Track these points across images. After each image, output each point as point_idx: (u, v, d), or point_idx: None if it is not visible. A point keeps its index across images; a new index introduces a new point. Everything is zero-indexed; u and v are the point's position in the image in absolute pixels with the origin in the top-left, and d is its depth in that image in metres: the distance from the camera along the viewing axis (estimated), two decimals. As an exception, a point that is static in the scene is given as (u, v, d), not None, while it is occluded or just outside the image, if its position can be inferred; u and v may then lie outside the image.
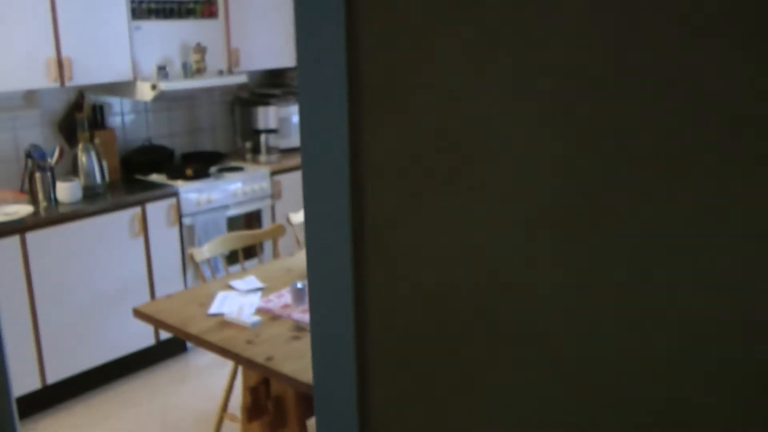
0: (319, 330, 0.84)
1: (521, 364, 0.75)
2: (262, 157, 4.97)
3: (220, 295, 3.04)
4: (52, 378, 3.89)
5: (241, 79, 4.67)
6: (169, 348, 4.45)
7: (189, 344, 4.53)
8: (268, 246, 4.71)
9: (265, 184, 4.76)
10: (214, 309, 2.90)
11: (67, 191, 3.96)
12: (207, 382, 4.18)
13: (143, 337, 4.24)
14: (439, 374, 0.80)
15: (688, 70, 0.61)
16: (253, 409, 2.82)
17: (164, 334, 4.33)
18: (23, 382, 3.78)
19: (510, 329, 0.74)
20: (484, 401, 0.78)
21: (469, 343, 0.77)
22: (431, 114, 0.75)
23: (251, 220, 4.76)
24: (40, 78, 3.86)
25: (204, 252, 3.44)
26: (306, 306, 2.92)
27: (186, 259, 4.36)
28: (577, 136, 0.68)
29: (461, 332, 0.77)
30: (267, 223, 4.77)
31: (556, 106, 0.69)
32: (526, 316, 0.73)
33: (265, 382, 2.86)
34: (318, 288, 0.83)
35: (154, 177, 4.53)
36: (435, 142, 0.75)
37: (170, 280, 4.29)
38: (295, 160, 5.06)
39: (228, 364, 4.33)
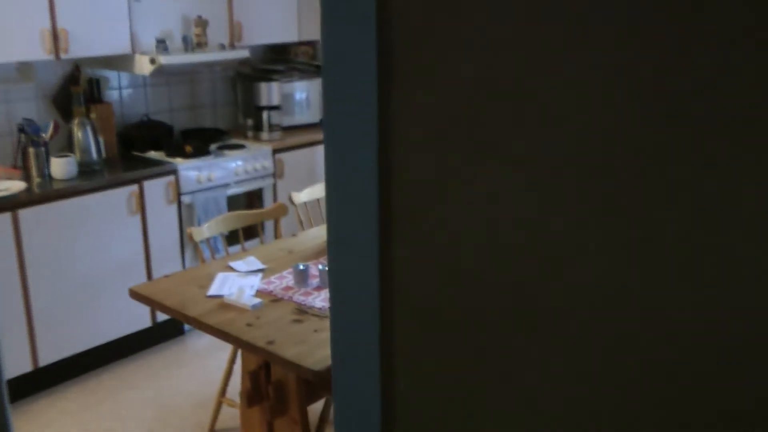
0: (341, 312, 0.82)
1: (564, 353, 0.71)
2: (264, 135, 4.97)
3: (220, 276, 3.04)
4: (44, 360, 3.88)
5: (244, 54, 4.65)
6: (166, 330, 4.44)
7: (187, 327, 4.53)
8: (269, 226, 4.72)
9: (267, 163, 4.76)
10: (213, 290, 2.90)
11: (61, 167, 3.92)
12: (205, 366, 4.18)
13: (139, 318, 4.24)
14: (471, 361, 0.78)
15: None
16: (253, 395, 2.82)
17: (161, 316, 4.32)
18: (15, 363, 3.77)
19: (553, 315, 0.71)
20: (521, 392, 0.75)
21: (507, 329, 0.74)
22: (472, 69, 0.70)
23: (252, 199, 4.76)
24: (35, 50, 3.81)
25: (203, 231, 3.43)
26: (309, 288, 2.92)
27: (185, 239, 4.36)
28: (641, 98, 0.63)
29: (498, 317, 0.74)
30: (269, 203, 4.78)
31: (619, 62, 0.63)
32: (572, 302, 0.69)
33: (266, 366, 2.86)
34: (341, 267, 0.81)
35: (153, 154, 4.52)
36: (476, 103, 0.71)
37: (168, 260, 4.29)
38: (299, 137, 5.05)
39: (227, 348, 4.32)
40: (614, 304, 0.67)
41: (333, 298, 0.80)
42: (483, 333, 0.76)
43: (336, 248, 0.81)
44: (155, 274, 4.20)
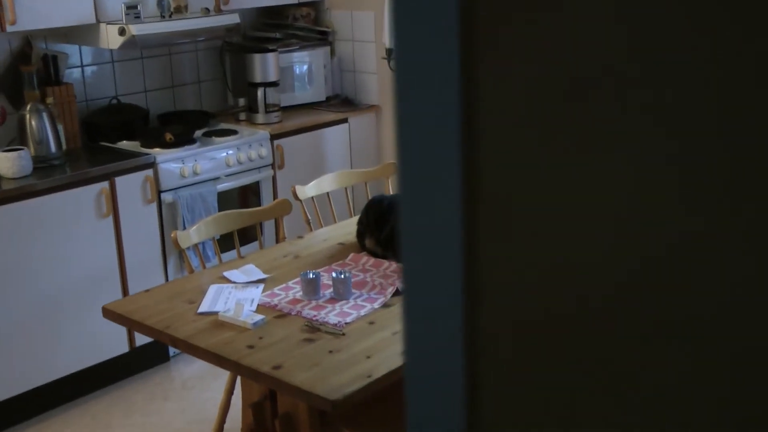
0: (416, 327, 0.84)
1: (684, 369, 0.72)
2: (260, 117, 4.98)
3: (213, 289, 3.05)
4: None
5: (233, 19, 4.67)
6: (147, 356, 4.46)
7: (173, 351, 4.55)
8: (269, 227, 4.73)
9: (265, 151, 4.77)
10: (205, 306, 2.91)
11: (11, 163, 3.93)
12: (196, 398, 4.18)
13: (114, 342, 4.26)
14: (571, 375, 0.79)
15: None
16: (257, 431, 2.77)
17: (141, 339, 4.33)
18: (-34, 401, 3.78)
19: (676, 326, 0.72)
20: (632, 413, 0.76)
21: (612, 336, 0.75)
22: (579, 29, 0.70)
23: (248, 195, 4.78)
24: (-21, 19, 3.82)
25: (190, 236, 3.44)
26: (321, 300, 2.95)
27: (167, 245, 4.38)
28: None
29: (602, 323, 0.76)
30: (268, 199, 4.80)
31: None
32: (691, 310, 0.70)
33: (271, 396, 2.88)
34: (416, 269, 0.83)
35: (125, 144, 4.55)
36: (582, 74, 0.71)
37: (148, 271, 4.32)
38: (301, 119, 5.05)
39: (223, 376, 4.31)
40: (745, 319, 0.69)
41: (407, 311, 0.83)
42: (582, 342, 0.77)
43: (411, 247, 0.83)
44: (133, 289, 4.21)
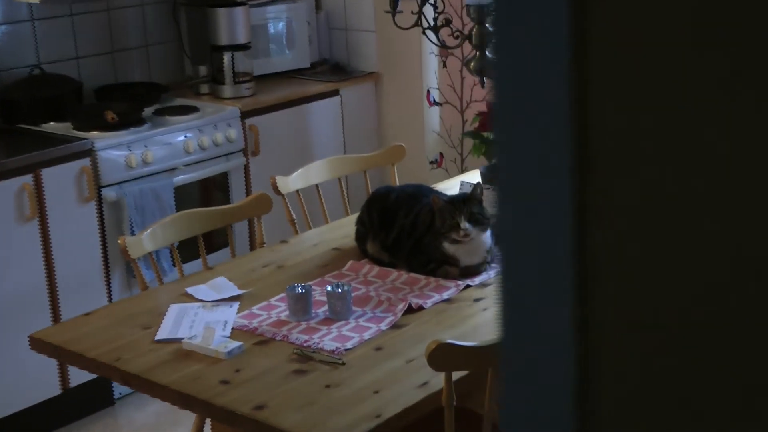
0: (517, 331, 0.89)
1: None
2: (227, 90, 4.97)
3: (174, 310, 3.05)
4: None
5: None
6: (85, 400, 4.44)
7: (120, 391, 4.52)
8: (243, 229, 4.72)
9: (234, 133, 4.77)
10: (164, 332, 2.91)
11: None
12: None
13: (43, 383, 4.24)
14: (691, 374, 0.82)
15: None
16: None
17: (77, 377, 4.30)
18: None
19: None
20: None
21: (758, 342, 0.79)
22: None
23: (213, 189, 4.79)
24: None
25: (143, 242, 3.43)
26: (313, 321, 2.94)
27: (111, 255, 4.38)
28: None
29: (742, 322, 0.79)
30: (240, 194, 4.79)
31: None
32: None
33: None
34: (517, 263, 0.87)
35: (52, 126, 4.54)
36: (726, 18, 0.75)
37: (86, 288, 4.31)
38: (280, 91, 5.06)
39: (187, 422, 4.29)
40: None
41: (504, 312, 0.88)
42: (716, 345, 0.81)
43: (511, 239, 0.87)
44: (66, 312, 4.19)
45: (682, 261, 0.81)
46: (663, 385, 0.85)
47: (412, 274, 3.21)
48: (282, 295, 3.09)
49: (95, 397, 4.48)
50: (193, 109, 4.79)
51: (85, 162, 4.29)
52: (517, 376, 0.91)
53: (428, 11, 3.80)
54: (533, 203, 0.86)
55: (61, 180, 4.22)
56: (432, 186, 3.75)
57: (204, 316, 2.98)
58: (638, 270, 0.83)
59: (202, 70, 5.06)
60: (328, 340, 2.81)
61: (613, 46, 0.81)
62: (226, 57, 4.99)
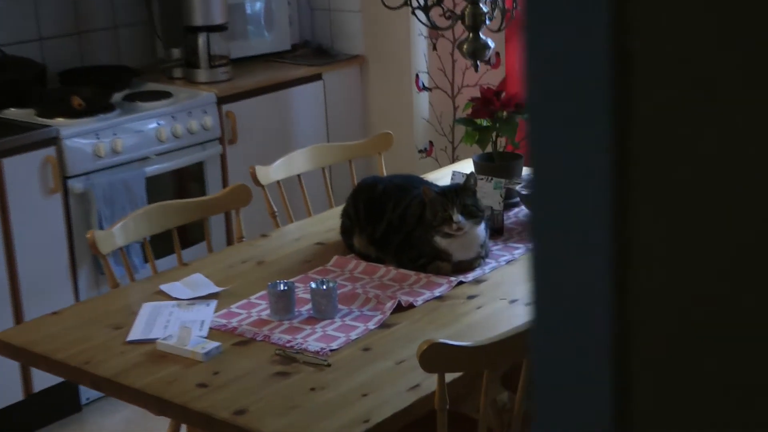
0: (549, 320, 0.90)
1: None
2: (202, 74, 4.97)
3: (147, 309, 3.05)
4: None
5: None
6: (51, 405, 4.44)
7: (87, 396, 4.52)
8: (220, 222, 4.74)
9: (210, 120, 4.78)
10: (137, 333, 2.91)
11: None
12: None
13: (4, 387, 4.24)
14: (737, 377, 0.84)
15: None
16: None
17: (42, 382, 4.31)
18: None
19: None
20: None
21: None
22: None
23: (188, 180, 4.80)
24: None
25: (113, 237, 3.42)
26: (296, 320, 2.94)
27: (78, 251, 4.38)
28: None
29: None
30: (216, 186, 4.81)
31: None
32: None
33: None
34: (551, 256, 0.89)
35: (14, 113, 4.54)
36: None
37: (51, 286, 4.31)
38: (259, 76, 5.07)
39: (161, 428, 4.29)
40: None
41: (538, 309, 0.89)
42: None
43: (544, 229, 0.88)
44: (30, 312, 4.19)
45: (730, 247, 0.82)
46: (710, 379, 0.85)
47: (402, 270, 3.20)
48: (263, 292, 3.10)
49: (61, 403, 4.48)
50: (165, 95, 4.79)
51: (50, 151, 4.28)
52: (550, 377, 0.92)
53: (417, -11, 3.78)
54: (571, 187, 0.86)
55: (23, 170, 4.22)
56: (422, 176, 3.75)
57: (179, 316, 2.99)
58: (686, 258, 0.84)
59: (176, 52, 5.06)
60: (312, 340, 2.81)
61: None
62: (201, 39, 4.99)
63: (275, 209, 3.88)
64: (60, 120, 4.41)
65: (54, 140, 4.29)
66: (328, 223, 3.64)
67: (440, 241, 3.14)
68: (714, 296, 0.84)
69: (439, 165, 5.12)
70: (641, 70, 0.82)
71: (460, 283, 3.13)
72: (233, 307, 3.04)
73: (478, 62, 3.79)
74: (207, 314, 2.99)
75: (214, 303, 3.07)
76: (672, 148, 0.83)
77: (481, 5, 3.62)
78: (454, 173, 3.71)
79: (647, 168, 0.84)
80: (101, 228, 4.15)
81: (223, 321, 2.95)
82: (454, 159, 5.28)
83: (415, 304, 2.99)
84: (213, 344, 2.78)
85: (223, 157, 4.87)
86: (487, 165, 3.77)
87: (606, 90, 0.84)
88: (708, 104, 0.81)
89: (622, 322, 0.86)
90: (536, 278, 0.91)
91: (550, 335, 0.92)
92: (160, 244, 4.00)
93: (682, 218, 0.84)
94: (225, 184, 4.82)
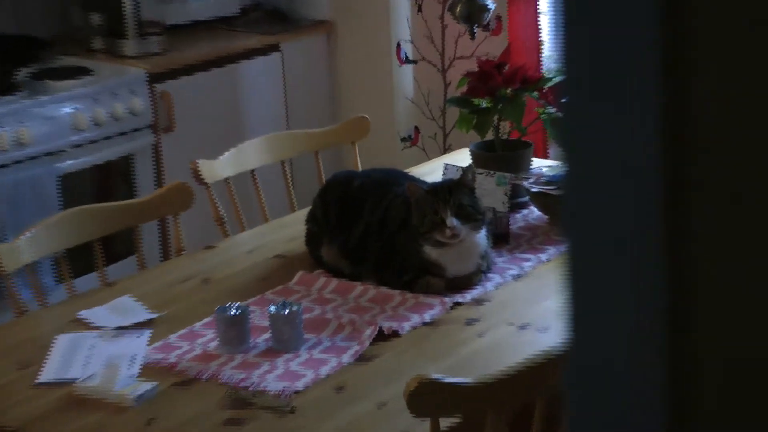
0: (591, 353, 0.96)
1: None
2: (130, 46, 5.01)
3: (62, 341, 3.05)
4: None
5: None
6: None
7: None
8: (153, 231, 4.73)
9: (140, 102, 4.81)
10: (50, 372, 2.91)
11: None
12: None
13: None
14: None
15: None
16: None
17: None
18: None
19: None
20: None
21: None
22: None
23: (112, 178, 4.85)
24: None
25: (20, 250, 3.44)
26: (251, 353, 2.95)
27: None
28: None
29: None
30: (148, 185, 4.84)
31: None
32: None
33: None
34: (593, 271, 0.93)
35: None
36: None
37: None
38: (200, 47, 5.06)
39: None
40: None
41: (575, 328, 0.93)
42: None
43: (579, 225, 0.93)
44: None
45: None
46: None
47: (383, 289, 3.20)
48: (209, 318, 3.11)
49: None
50: (83, 71, 4.83)
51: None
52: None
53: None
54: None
55: None
56: (406, 170, 3.75)
57: (103, 350, 2.98)
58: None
59: (96, 18, 5.08)
60: (272, 378, 2.81)
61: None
62: (128, 4, 5.00)
63: (223, 214, 3.89)
64: (-51, 104, 4.44)
65: (-58, 130, 4.31)
66: (289, 230, 3.66)
67: (430, 252, 3.14)
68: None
69: (428, 156, 5.16)
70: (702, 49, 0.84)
71: (457, 304, 3.13)
72: (172, 338, 3.03)
73: (475, 28, 3.79)
74: (139, 347, 2.99)
75: (147, 333, 3.07)
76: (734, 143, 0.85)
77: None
78: (447, 166, 3.71)
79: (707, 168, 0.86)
80: (4, 240, 4.13)
81: (159, 355, 2.94)
82: (445, 149, 5.32)
83: (400, 331, 2.99)
84: (146, 385, 2.78)
85: (156, 149, 4.91)
86: (488, 156, 3.78)
87: (659, 73, 0.85)
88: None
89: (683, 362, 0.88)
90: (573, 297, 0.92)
91: (591, 371, 0.93)
92: (78, 260, 4.00)
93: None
94: (160, 183, 4.85)
